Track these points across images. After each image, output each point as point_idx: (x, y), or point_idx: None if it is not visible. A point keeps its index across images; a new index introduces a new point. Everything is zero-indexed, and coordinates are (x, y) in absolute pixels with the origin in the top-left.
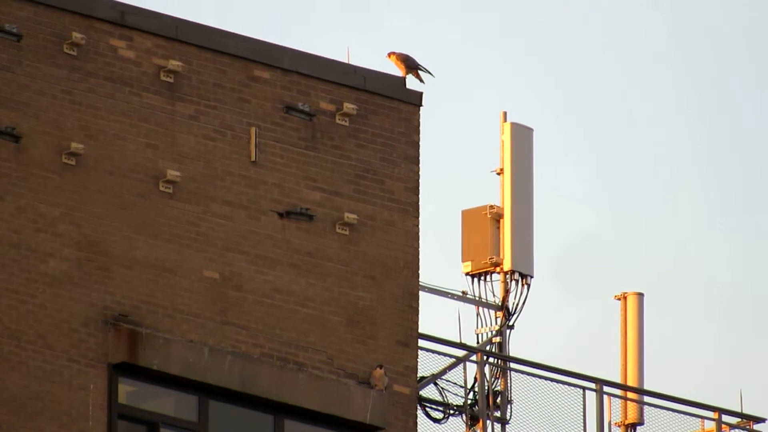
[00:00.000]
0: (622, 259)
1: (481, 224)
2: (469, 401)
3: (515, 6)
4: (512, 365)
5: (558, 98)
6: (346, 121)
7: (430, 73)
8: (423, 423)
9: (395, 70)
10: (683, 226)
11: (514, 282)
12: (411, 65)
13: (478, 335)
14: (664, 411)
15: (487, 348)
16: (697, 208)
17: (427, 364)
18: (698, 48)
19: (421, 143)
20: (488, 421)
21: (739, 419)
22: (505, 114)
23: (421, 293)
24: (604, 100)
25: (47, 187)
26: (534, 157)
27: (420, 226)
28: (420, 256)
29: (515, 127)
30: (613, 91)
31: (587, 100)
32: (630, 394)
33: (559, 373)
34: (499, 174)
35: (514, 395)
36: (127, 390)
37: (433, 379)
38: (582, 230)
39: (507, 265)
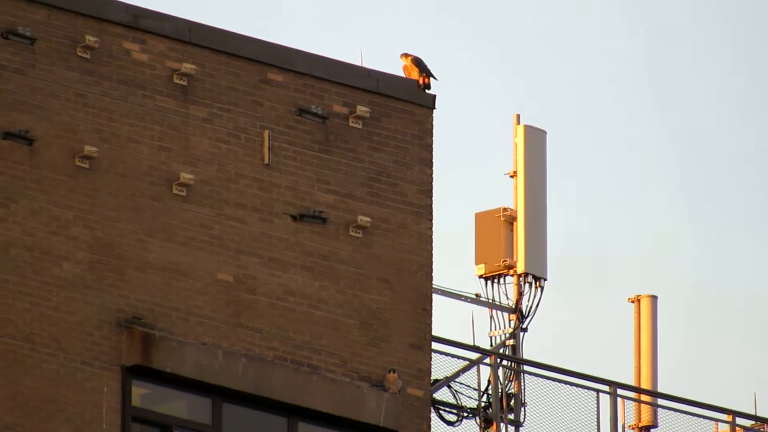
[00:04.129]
0: (635, 262)
1: (494, 227)
2: (482, 404)
3: (527, 9)
4: (526, 368)
5: (571, 100)
6: (359, 124)
7: (434, 77)
8: (436, 426)
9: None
10: (697, 229)
11: (527, 284)
12: (422, 69)
13: (491, 338)
14: (678, 413)
15: (501, 351)
16: (713, 211)
17: (440, 366)
18: (704, 50)
19: (434, 146)
20: (502, 424)
21: (753, 422)
22: (518, 116)
23: (434, 296)
24: (617, 102)
25: (61, 190)
26: (547, 159)
27: (433, 229)
28: (433, 259)
29: (528, 129)
30: (626, 93)
31: (601, 102)
32: (644, 397)
33: (572, 376)
34: (512, 176)
35: (528, 398)
36: (140, 393)
37: (447, 381)
38: (595, 232)
39: (520, 268)
